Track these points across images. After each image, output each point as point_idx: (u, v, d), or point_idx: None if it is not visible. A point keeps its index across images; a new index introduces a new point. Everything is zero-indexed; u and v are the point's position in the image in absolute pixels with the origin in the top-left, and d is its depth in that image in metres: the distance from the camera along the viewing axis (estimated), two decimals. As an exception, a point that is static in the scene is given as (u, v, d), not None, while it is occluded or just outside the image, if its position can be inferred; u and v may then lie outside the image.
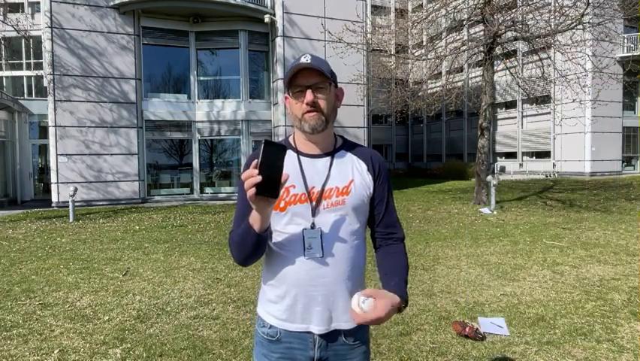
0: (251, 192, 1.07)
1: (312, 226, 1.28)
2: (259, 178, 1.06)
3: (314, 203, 1.29)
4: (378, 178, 1.39)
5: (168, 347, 3.30)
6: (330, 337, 1.32)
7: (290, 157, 1.32)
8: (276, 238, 1.32)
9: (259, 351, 1.38)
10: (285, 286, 1.31)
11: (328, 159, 1.35)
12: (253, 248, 1.23)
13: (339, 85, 1.39)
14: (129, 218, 10.57)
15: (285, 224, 1.30)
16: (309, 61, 1.27)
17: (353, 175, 1.35)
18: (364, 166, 1.37)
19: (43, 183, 16.83)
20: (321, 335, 1.31)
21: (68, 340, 3.45)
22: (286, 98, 1.36)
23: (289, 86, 1.31)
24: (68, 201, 10.50)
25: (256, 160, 1.08)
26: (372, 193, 1.38)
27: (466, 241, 7.16)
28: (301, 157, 1.35)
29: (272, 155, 1.08)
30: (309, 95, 1.27)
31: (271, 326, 1.34)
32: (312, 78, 1.28)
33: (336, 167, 1.35)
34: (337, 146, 1.40)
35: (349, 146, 1.41)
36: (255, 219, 1.18)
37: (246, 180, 1.08)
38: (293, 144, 1.38)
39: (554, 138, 24.14)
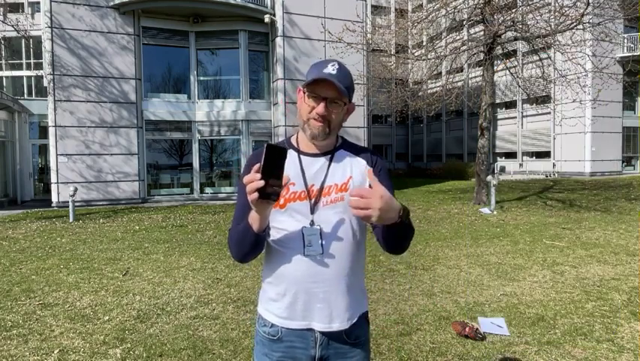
0: (253, 196, 1.08)
1: (311, 224, 1.29)
2: (262, 183, 1.07)
3: (313, 200, 1.31)
4: (377, 176, 1.39)
5: (168, 347, 3.30)
6: (332, 335, 1.33)
7: (290, 156, 1.34)
8: (276, 235, 1.33)
9: (260, 351, 1.39)
10: (285, 283, 1.32)
11: (328, 157, 1.37)
12: (251, 247, 1.25)
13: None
14: (129, 218, 10.57)
15: (284, 221, 1.31)
16: (335, 73, 1.27)
17: (352, 172, 1.36)
18: (362, 163, 1.39)
19: (43, 183, 16.82)
20: (322, 333, 1.32)
21: (68, 340, 3.45)
22: (299, 90, 1.35)
23: (307, 86, 1.30)
24: (68, 201, 10.50)
25: (258, 164, 1.09)
26: None
27: (466, 241, 7.16)
28: (301, 156, 1.36)
29: (274, 158, 1.09)
30: (321, 108, 1.28)
31: (272, 325, 1.35)
32: (330, 91, 1.28)
33: (335, 164, 1.36)
34: (337, 145, 1.41)
35: (349, 146, 1.43)
36: (254, 219, 1.19)
37: (248, 183, 1.08)
38: (295, 144, 1.40)
39: (554, 138, 24.14)
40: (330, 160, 1.37)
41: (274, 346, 1.35)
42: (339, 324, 1.32)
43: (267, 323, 1.36)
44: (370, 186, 1.15)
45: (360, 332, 1.38)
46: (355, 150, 1.42)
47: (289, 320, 1.32)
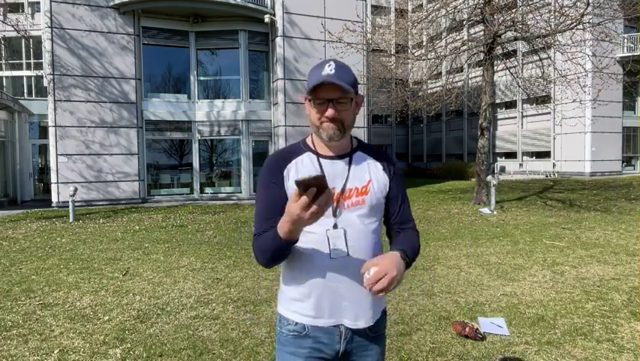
0: (312, 220, 1.11)
1: (335, 226, 1.32)
2: (323, 213, 1.10)
3: (335, 204, 1.33)
4: (393, 178, 1.44)
5: (168, 347, 3.30)
6: (358, 331, 1.37)
7: (310, 159, 1.37)
8: (300, 238, 1.33)
9: (284, 351, 1.39)
10: (309, 284, 1.34)
11: (347, 160, 1.39)
12: (283, 255, 1.28)
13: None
14: (129, 218, 10.57)
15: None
16: (332, 73, 1.26)
17: (370, 175, 1.39)
18: (380, 166, 1.42)
19: (43, 183, 16.82)
20: (348, 328, 1.36)
21: (68, 340, 3.45)
22: (305, 99, 1.36)
23: (311, 94, 1.30)
24: (68, 201, 10.50)
25: (305, 199, 1.07)
26: (387, 192, 1.43)
27: (466, 241, 7.16)
28: (321, 159, 1.38)
29: (315, 186, 1.07)
30: (330, 111, 1.29)
31: (297, 323, 1.37)
32: (334, 93, 1.28)
33: (355, 168, 1.39)
34: (354, 147, 1.43)
35: (365, 148, 1.46)
36: (293, 232, 1.18)
37: (306, 211, 1.08)
38: (312, 146, 1.41)
39: (554, 138, 24.14)
40: (349, 163, 1.39)
41: (302, 342, 1.36)
42: (364, 321, 1.36)
43: (291, 321, 1.38)
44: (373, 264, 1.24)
45: (380, 326, 1.44)
46: (372, 153, 1.44)
47: (317, 319, 1.35)
